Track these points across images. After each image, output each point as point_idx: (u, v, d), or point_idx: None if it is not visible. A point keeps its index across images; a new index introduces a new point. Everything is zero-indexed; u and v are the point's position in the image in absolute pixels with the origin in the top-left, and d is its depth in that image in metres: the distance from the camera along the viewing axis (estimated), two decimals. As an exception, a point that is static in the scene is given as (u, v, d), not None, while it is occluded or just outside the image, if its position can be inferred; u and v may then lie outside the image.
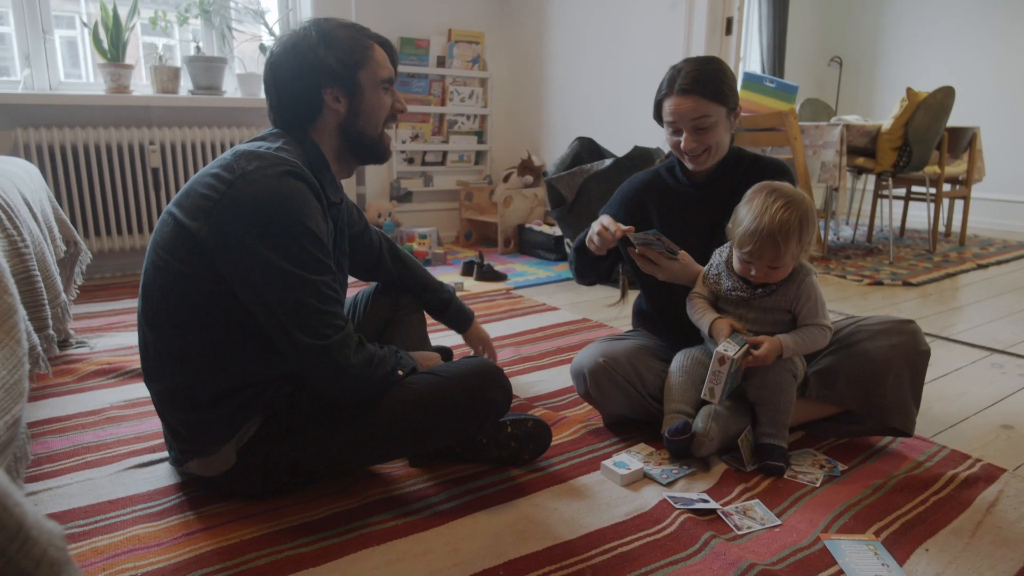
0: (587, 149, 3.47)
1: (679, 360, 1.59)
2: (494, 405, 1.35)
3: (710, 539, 1.21)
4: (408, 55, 4.09)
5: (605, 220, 1.54)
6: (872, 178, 4.32)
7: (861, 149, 3.87)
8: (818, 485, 1.42)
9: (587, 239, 1.58)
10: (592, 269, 1.72)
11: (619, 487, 1.41)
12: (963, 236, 4.43)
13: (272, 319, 1.17)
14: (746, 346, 1.44)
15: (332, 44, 1.27)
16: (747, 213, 1.42)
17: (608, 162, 3.16)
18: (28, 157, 3.04)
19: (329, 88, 1.28)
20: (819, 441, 1.61)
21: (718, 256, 1.54)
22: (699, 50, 3.27)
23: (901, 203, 4.76)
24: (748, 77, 3.99)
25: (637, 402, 1.61)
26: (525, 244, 4.00)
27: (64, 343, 2.29)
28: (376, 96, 1.33)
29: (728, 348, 1.40)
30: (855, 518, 1.30)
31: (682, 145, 1.57)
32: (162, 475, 1.45)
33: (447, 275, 3.40)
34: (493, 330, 2.50)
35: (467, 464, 1.49)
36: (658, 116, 1.62)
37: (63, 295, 1.82)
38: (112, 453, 1.57)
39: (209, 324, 1.23)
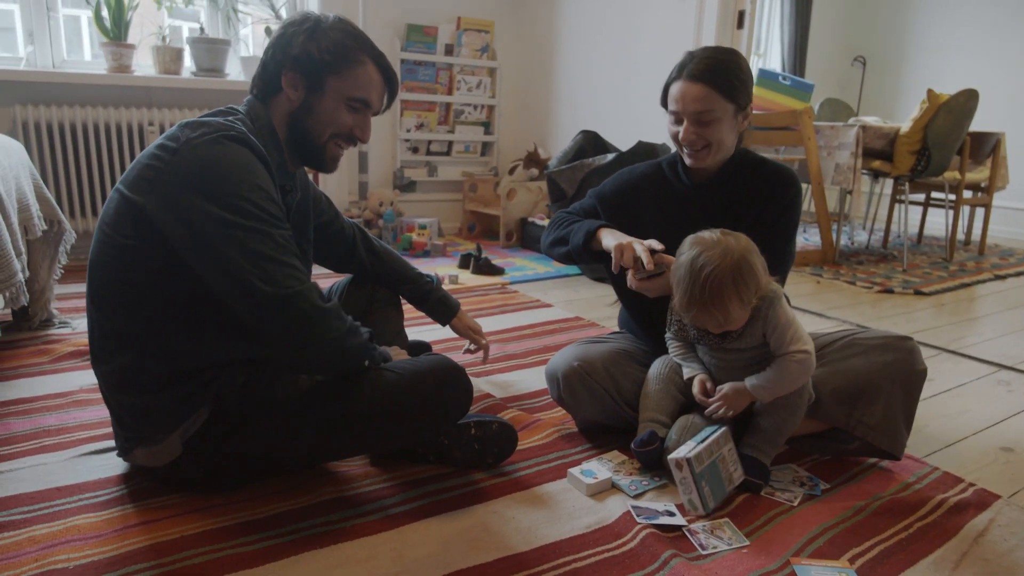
0: (591, 143, 3.38)
1: (657, 367, 1.52)
2: (452, 405, 1.29)
3: (670, 558, 1.14)
4: (416, 43, 4.03)
5: (643, 251, 1.40)
6: (891, 182, 4.19)
7: (878, 152, 3.74)
8: (796, 504, 1.34)
9: (612, 248, 1.44)
10: (573, 261, 1.66)
11: (584, 496, 1.34)
12: (983, 245, 4.28)
13: (228, 277, 1.11)
14: (723, 429, 1.37)
15: (315, 37, 1.25)
16: (679, 280, 1.32)
17: (610, 157, 3.07)
18: (26, 134, 3.03)
19: (289, 73, 1.26)
20: (803, 457, 1.53)
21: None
22: (709, 44, 3.17)
23: (920, 209, 4.62)
24: (763, 74, 3.88)
25: (612, 409, 1.53)
26: (527, 238, 3.93)
27: (46, 323, 2.27)
28: (336, 107, 1.28)
29: (681, 451, 1.30)
30: (830, 542, 1.22)
31: (680, 136, 1.48)
32: (116, 463, 1.41)
33: (444, 267, 3.35)
34: (481, 326, 2.42)
35: (429, 466, 1.43)
36: (664, 102, 1.52)
37: (19, 275, 1.78)
38: (71, 438, 1.53)
39: (155, 303, 1.18)
